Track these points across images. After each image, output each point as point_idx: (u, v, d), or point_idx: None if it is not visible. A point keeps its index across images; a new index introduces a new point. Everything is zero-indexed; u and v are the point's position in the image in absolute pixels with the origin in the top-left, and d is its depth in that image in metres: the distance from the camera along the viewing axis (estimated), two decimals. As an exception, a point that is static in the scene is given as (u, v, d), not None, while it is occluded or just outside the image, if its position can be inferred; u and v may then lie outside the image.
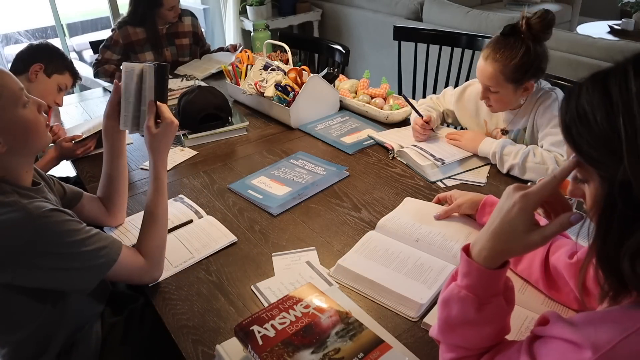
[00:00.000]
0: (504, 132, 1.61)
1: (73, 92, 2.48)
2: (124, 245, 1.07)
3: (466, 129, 1.77)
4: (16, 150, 1.01)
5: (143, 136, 1.22)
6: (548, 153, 1.44)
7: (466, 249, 0.75)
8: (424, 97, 2.45)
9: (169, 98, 2.17)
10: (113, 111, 1.25)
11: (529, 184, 1.00)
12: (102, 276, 1.03)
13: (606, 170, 0.59)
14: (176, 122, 1.18)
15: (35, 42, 1.92)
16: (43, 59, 1.81)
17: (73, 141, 1.67)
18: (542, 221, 0.71)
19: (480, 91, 1.53)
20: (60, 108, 2.06)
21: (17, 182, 1.02)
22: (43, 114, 1.07)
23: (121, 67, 1.24)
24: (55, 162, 1.69)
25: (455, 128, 1.91)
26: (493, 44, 1.45)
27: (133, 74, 1.22)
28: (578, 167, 0.65)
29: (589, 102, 0.60)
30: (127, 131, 1.27)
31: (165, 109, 1.19)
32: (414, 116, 1.72)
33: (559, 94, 1.51)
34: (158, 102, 1.19)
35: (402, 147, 1.65)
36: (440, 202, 1.34)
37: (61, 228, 0.97)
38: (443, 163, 1.55)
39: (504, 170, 1.51)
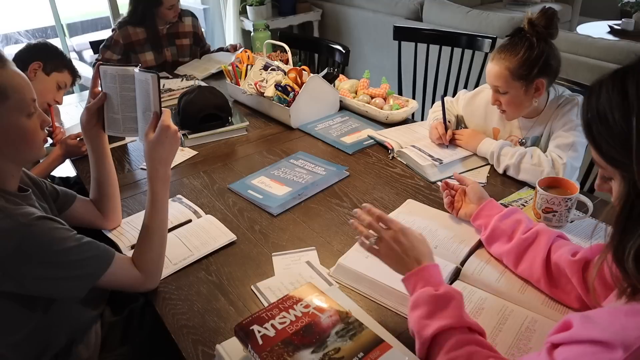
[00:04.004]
0: (522, 143, 1.57)
1: (73, 92, 2.48)
2: (116, 255, 1.05)
3: None
4: (5, 154, 1.00)
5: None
6: (546, 156, 1.42)
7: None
8: (424, 97, 2.46)
9: (169, 98, 2.19)
10: (91, 117, 1.23)
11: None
12: (91, 285, 1.01)
13: (625, 170, 0.58)
14: (174, 127, 1.10)
15: (33, 42, 1.92)
16: (41, 57, 1.81)
17: (78, 138, 1.68)
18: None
19: (491, 97, 1.51)
20: (60, 108, 2.06)
21: (2, 186, 1.00)
22: (44, 131, 1.07)
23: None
24: (61, 160, 1.71)
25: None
26: (499, 46, 1.47)
27: (145, 82, 1.16)
28: (600, 165, 0.64)
29: (608, 100, 0.59)
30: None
31: (166, 116, 1.13)
32: (436, 117, 1.70)
33: (581, 100, 1.47)
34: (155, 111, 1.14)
35: (402, 147, 1.65)
36: (447, 189, 1.31)
37: (49, 236, 0.96)
38: (441, 163, 1.55)
39: (500, 170, 1.50)
